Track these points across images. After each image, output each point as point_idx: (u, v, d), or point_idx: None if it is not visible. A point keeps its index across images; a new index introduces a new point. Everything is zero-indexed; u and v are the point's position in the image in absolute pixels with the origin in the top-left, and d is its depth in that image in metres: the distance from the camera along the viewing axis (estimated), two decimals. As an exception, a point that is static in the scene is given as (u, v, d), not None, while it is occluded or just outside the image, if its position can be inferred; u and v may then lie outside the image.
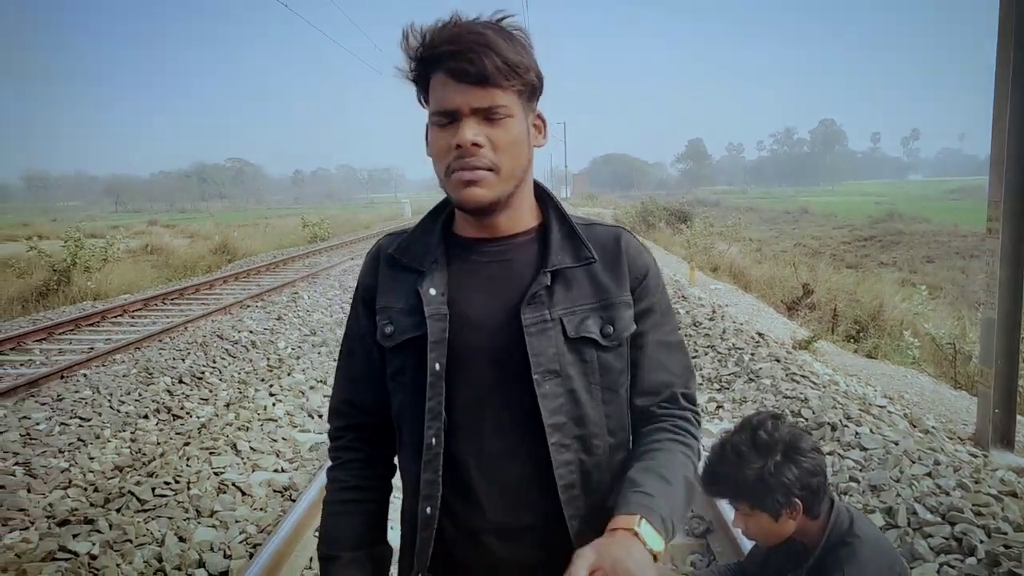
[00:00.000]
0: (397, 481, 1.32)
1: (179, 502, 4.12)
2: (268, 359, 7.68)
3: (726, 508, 3.41)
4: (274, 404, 5.98)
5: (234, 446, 5.00)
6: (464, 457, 1.16)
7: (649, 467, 1.12)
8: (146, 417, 5.75)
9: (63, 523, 3.91)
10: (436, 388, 1.14)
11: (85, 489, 4.42)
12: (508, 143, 1.11)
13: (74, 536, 3.71)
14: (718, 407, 5.54)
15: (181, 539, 3.72)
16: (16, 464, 4.76)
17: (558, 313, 1.15)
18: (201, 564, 3.50)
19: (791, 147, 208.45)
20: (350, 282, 13.78)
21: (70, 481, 4.53)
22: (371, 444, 1.29)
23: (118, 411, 5.87)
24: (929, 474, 3.82)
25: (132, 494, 4.19)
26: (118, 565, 3.45)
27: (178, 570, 3.42)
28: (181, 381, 6.76)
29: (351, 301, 1.31)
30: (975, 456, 4.42)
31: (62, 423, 5.59)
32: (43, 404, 6.13)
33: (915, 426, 4.95)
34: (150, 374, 6.93)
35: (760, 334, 7.73)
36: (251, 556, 3.50)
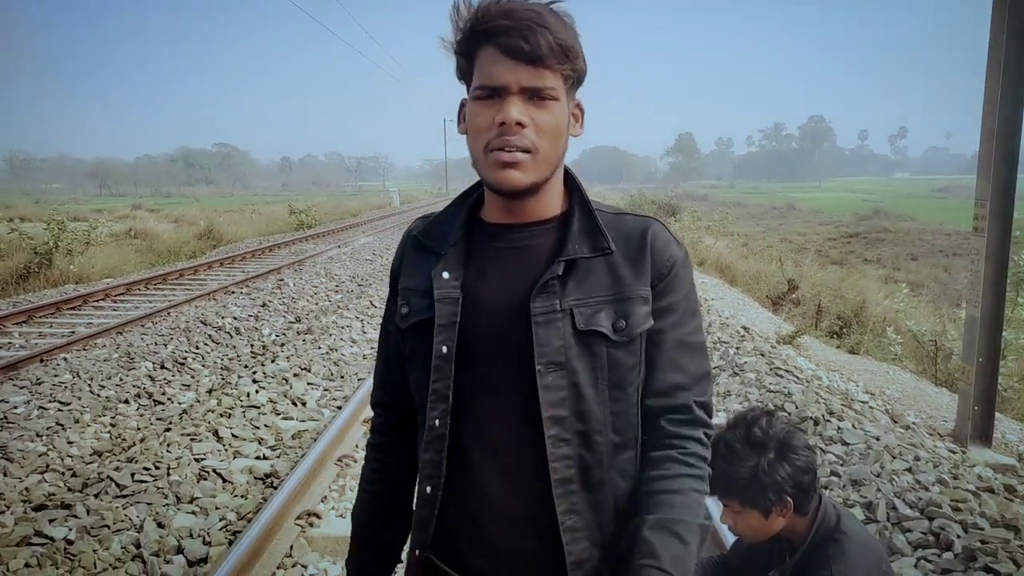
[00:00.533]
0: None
1: (158, 488, 4.08)
2: (252, 346, 7.63)
3: (709, 503, 3.42)
4: (257, 391, 5.94)
5: (216, 432, 4.96)
6: (470, 442, 1.16)
7: (665, 523, 1.09)
8: (127, 402, 5.69)
9: (40, 508, 3.87)
10: (442, 371, 1.14)
11: (63, 474, 4.37)
12: (551, 127, 1.09)
13: (50, 521, 3.67)
14: (702, 400, 5.56)
15: (160, 525, 3.69)
16: (-7, 448, 4.70)
17: (569, 304, 1.12)
18: (180, 550, 3.47)
19: (780, 143, 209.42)
20: (336, 270, 13.71)
21: (47, 465, 4.47)
22: (399, 427, 1.33)
23: (98, 396, 5.81)
24: (909, 469, 3.85)
25: (111, 479, 4.15)
26: (95, 551, 3.41)
27: (156, 556, 3.39)
28: (163, 366, 6.69)
29: None
30: (954, 452, 4.46)
31: (41, 407, 5.52)
32: (22, 387, 6.05)
33: (896, 422, 4.99)
34: (131, 359, 6.86)
35: (745, 328, 7.76)
36: (231, 543, 3.47)
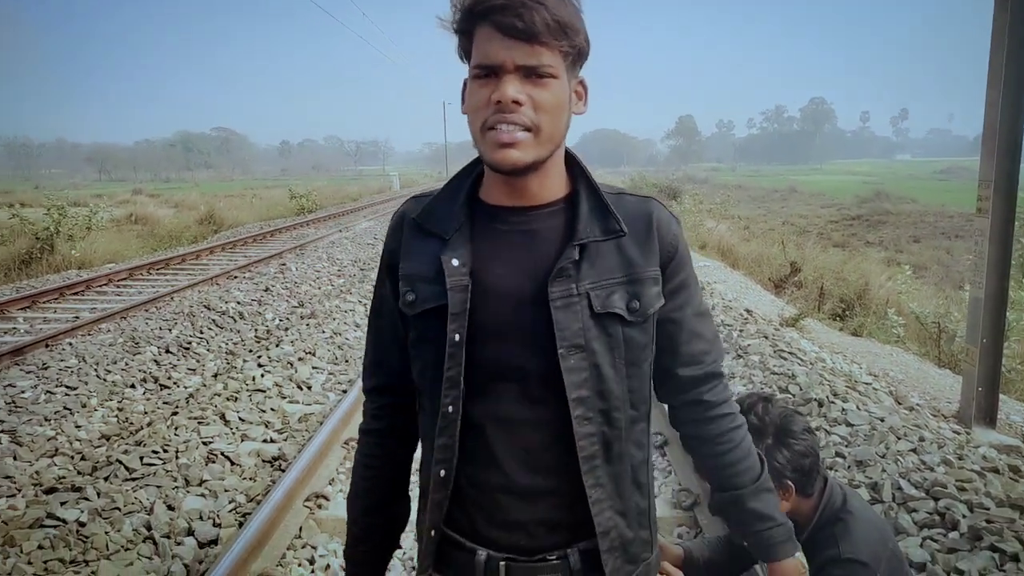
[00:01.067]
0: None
1: (167, 471, 4.11)
2: (256, 330, 7.64)
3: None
4: (262, 375, 5.96)
5: (223, 416, 4.99)
6: (484, 423, 1.17)
7: (758, 488, 1.32)
8: (133, 386, 5.72)
9: (50, 491, 3.90)
10: (455, 358, 1.14)
11: (72, 457, 4.40)
12: (549, 104, 1.09)
13: (62, 504, 3.70)
14: (706, 382, 5.58)
15: (170, 507, 3.72)
16: (2, 431, 4.73)
17: (585, 287, 1.14)
18: (190, 532, 3.50)
19: (781, 125, 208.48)
20: (338, 254, 13.70)
21: (56, 449, 4.50)
22: (395, 409, 1.32)
23: (104, 380, 5.83)
24: (914, 450, 3.87)
25: (120, 463, 4.17)
26: (107, 533, 3.44)
27: (167, 538, 3.42)
28: (168, 351, 6.71)
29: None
30: (958, 433, 4.48)
31: (48, 391, 5.55)
32: (28, 372, 6.07)
33: (900, 403, 5.01)
34: (136, 343, 6.88)
35: (748, 311, 7.77)
36: (240, 525, 3.51)
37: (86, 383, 5.73)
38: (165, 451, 4.37)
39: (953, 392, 5.79)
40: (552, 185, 1.19)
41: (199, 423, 4.84)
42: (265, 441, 4.67)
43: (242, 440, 4.66)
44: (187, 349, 6.83)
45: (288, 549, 3.35)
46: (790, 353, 5.89)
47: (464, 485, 1.20)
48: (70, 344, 7.00)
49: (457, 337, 1.13)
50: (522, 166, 1.10)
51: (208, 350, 6.86)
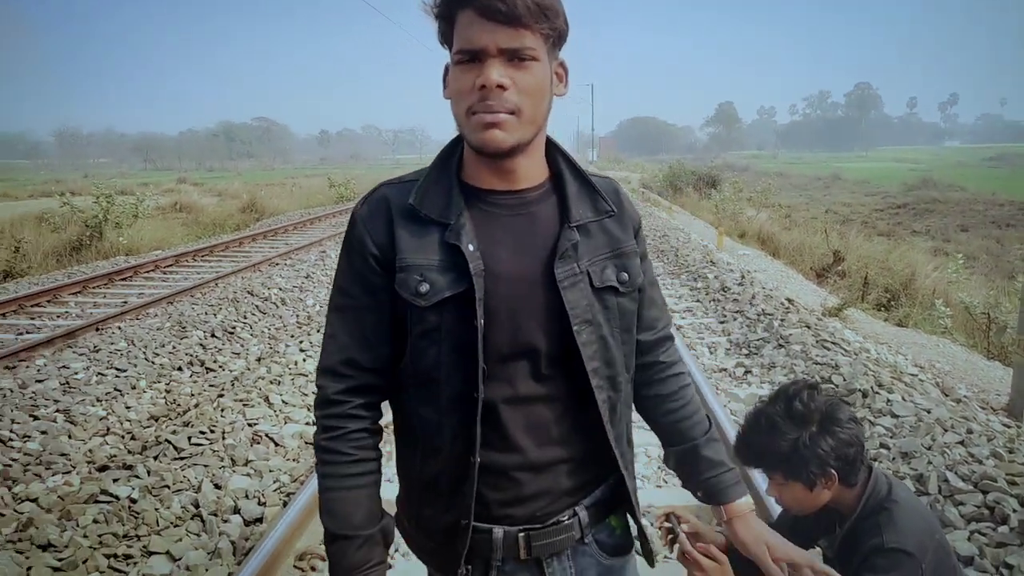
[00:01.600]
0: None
1: (214, 451, 4.22)
2: (297, 316, 7.78)
3: (753, 471, 3.41)
4: (304, 359, 6.07)
5: (267, 399, 5.10)
6: (496, 403, 1.19)
7: (710, 438, 1.39)
8: (180, 369, 5.87)
9: (103, 468, 4.04)
10: (478, 344, 1.15)
11: (123, 437, 4.55)
12: (533, 87, 1.10)
13: (114, 481, 3.83)
14: (747, 372, 5.52)
15: (217, 486, 3.83)
16: (57, 411, 4.90)
17: (585, 266, 1.20)
18: (236, 510, 3.60)
19: (824, 111, 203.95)
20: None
21: (108, 429, 4.65)
22: (370, 408, 1.25)
23: (153, 363, 6.00)
24: (961, 442, 3.79)
25: (169, 442, 4.30)
26: (156, 509, 3.56)
27: (214, 515, 3.52)
28: (213, 335, 6.87)
29: (342, 256, 1.24)
30: (1008, 426, 4.37)
31: (99, 373, 5.73)
32: (80, 355, 6.27)
33: (947, 395, 4.90)
34: (183, 328, 7.06)
35: (790, 300, 7.65)
36: (285, 504, 3.59)
37: (135, 365, 5.90)
38: (212, 432, 4.49)
39: (1003, 384, 5.64)
40: (536, 167, 1.22)
41: (244, 405, 4.96)
42: (308, 424, 4.76)
43: (285, 422, 4.76)
44: (231, 333, 6.98)
45: (330, 529, 3.42)
46: (833, 343, 5.79)
47: (481, 471, 1.20)
48: (119, 328, 7.21)
49: (483, 322, 1.14)
50: (507, 148, 1.12)
51: (252, 335, 7.01)
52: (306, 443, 4.45)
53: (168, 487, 3.78)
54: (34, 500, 3.66)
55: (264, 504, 3.66)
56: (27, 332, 7.35)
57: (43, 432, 4.54)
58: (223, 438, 4.40)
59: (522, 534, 1.23)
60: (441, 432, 1.20)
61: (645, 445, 4.22)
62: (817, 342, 5.83)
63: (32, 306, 8.48)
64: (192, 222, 19.49)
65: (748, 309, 7.13)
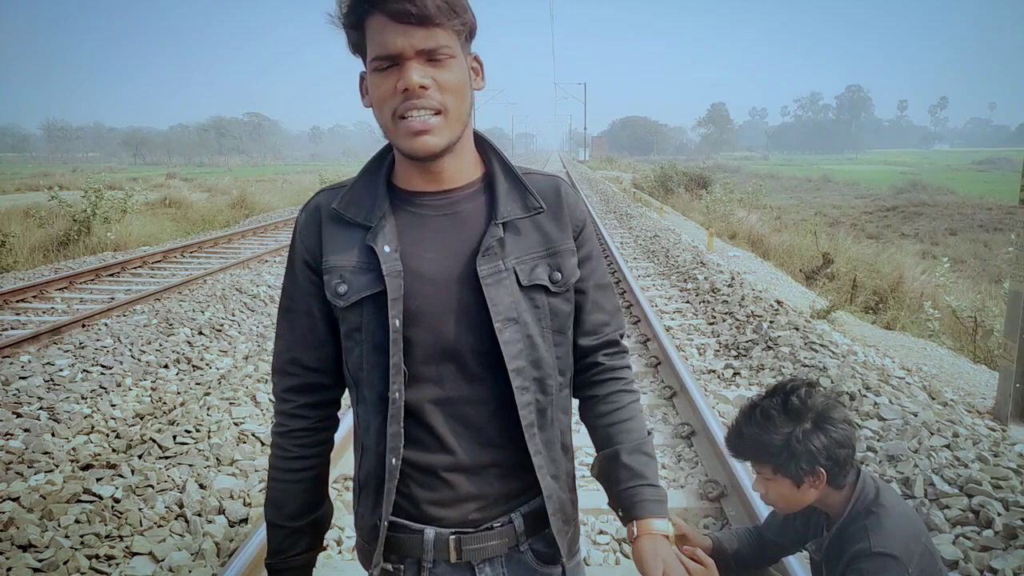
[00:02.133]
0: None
1: (199, 450, 4.18)
2: (286, 313, 7.72)
3: (741, 474, 3.42)
4: (292, 358, 6.03)
5: (253, 397, 5.07)
6: (425, 405, 1.19)
7: (636, 447, 1.30)
8: (166, 367, 5.83)
9: (86, 467, 4.00)
10: (398, 344, 1.16)
11: (107, 435, 4.50)
12: (454, 84, 1.11)
13: (97, 480, 3.79)
14: (735, 374, 5.53)
15: (201, 486, 3.79)
16: (40, 409, 4.85)
17: (511, 263, 1.19)
18: (221, 511, 3.56)
19: (816, 113, 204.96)
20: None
21: (92, 427, 4.61)
22: (315, 407, 1.29)
23: (139, 360, 5.95)
24: (947, 446, 3.80)
25: (154, 441, 4.26)
26: (140, 509, 3.52)
27: (199, 516, 3.49)
28: (201, 333, 6.82)
29: (287, 261, 1.29)
30: (994, 430, 4.38)
31: (84, 370, 5.67)
32: (65, 351, 6.21)
33: (934, 398, 4.92)
34: (170, 325, 7.00)
35: (779, 302, 7.67)
36: (270, 505, 3.56)
37: (121, 363, 5.85)
38: (197, 431, 4.45)
39: (989, 388, 5.67)
40: (466, 167, 1.22)
41: (231, 404, 4.92)
42: (294, 423, 4.73)
43: (272, 421, 4.72)
44: (219, 331, 6.94)
45: (316, 530, 3.40)
46: (821, 345, 5.81)
47: (407, 469, 1.21)
48: (106, 324, 7.15)
49: (398, 323, 1.15)
50: (438, 150, 1.13)
51: (240, 332, 6.97)
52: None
53: (152, 487, 3.74)
54: (15, 499, 3.62)
55: (249, 505, 3.63)
56: (11, 328, 7.27)
57: (26, 430, 4.49)
58: (209, 437, 4.37)
59: (453, 537, 1.23)
60: (368, 431, 1.24)
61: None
62: (805, 344, 5.85)
63: (17, 301, 8.40)
64: (181, 218, 19.39)
65: (737, 311, 7.14)
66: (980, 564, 2.84)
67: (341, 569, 3.06)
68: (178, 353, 6.15)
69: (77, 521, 3.40)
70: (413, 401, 1.19)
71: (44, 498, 3.61)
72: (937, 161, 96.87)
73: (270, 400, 4.99)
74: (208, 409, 4.81)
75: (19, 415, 4.74)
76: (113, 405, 4.98)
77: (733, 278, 8.76)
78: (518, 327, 1.18)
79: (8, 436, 4.41)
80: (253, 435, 4.44)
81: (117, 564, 3.14)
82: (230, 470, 3.99)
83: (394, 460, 1.19)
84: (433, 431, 1.20)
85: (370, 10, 1.08)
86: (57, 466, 4.05)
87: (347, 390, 1.30)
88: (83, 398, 5.08)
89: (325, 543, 1.41)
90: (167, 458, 4.12)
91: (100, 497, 3.61)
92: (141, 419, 4.77)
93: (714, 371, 5.64)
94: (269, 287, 8.99)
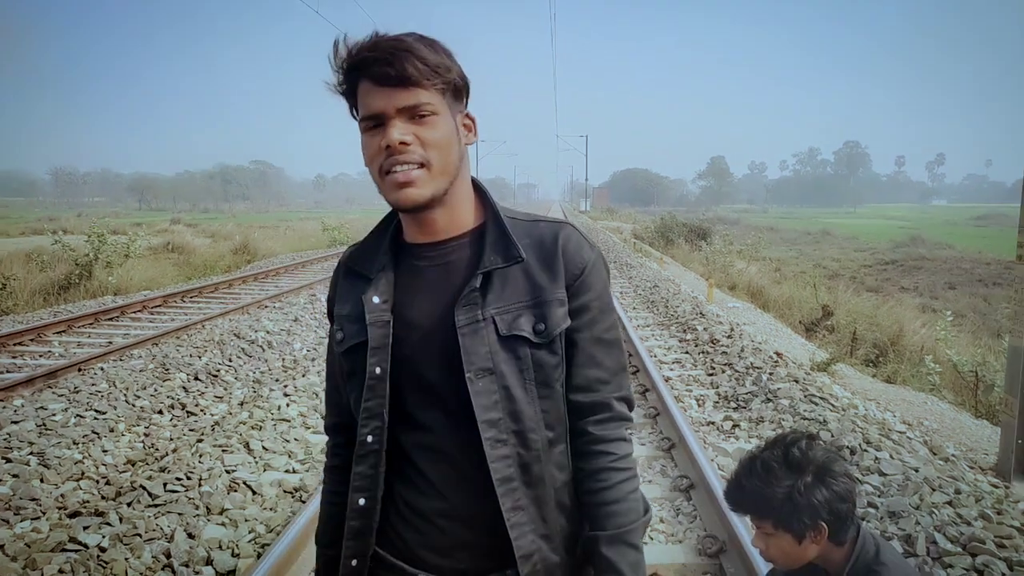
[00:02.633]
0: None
1: (190, 498, 4.12)
2: (283, 360, 7.70)
3: (741, 529, 3.35)
4: (288, 404, 5.99)
5: (247, 445, 5.01)
6: (414, 450, 1.23)
7: (617, 537, 1.21)
8: (160, 412, 5.77)
9: (74, 515, 3.93)
10: (375, 390, 1.21)
11: (97, 482, 4.44)
12: (436, 139, 1.16)
13: (84, 528, 3.72)
14: (734, 426, 5.47)
15: (190, 535, 3.72)
16: (31, 454, 4.79)
17: (491, 312, 1.19)
18: (209, 562, 3.49)
19: (814, 168, 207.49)
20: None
21: (83, 473, 4.54)
22: (349, 447, 1.32)
23: (133, 405, 5.90)
24: (950, 503, 3.74)
25: (144, 488, 4.19)
26: (126, 559, 3.44)
27: (186, 566, 3.41)
28: (197, 378, 6.78)
29: None
30: (996, 487, 4.32)
31: (78, 415, 5.62)
32: (60, 395, 6.17)
33: (935, 453, 4.85)
34: (166, 370, 6.97)
35: (778, 354, 7.64)
36: (259, 556, 3.49)
37: (115, 408, 5.80)
38: (188, 478, 4.39)
39: (991, 444, 5.61)
40: (460, 217, 1.25)
41: (223, 451, 4.86)
42: (287, 471, 4.67)
43: (264, 470, 4.66)
44: (215, 377, 6.90)
45: (305, 582, 3.32)
46: (821, 398, 5.76)
47: (403, 509, 1.25)
48: (102, 369, 7.11)
49: (378, 370, 1.20)
50: (422, 202, 1.17)
51: (236, 378, 6.92)
52: (284, 491, 4.36)
53: (140, 535, 3.67)
54: (0, 547, 3.54)
55: (238, 555, 3.56)
56: (6, 371, 7.24)
57: (15, 475, 4.42)
58: (199, 485, 4.30)
59: None
60: (357, 473, 1.27)
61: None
62: (805, 397, 5.80)
63: (14, 344, 8.38)
64: (183, 263, 19.46)
65: (737, 362, 7.11)
66: (985, 627, 2.76)
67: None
68: (173, 399, 6.11)
69: (61, 571, 3.32)
70: (405, 445, 1.24)
71: (29, 546, 3.53)
72: (935, 216, 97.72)
73: (263, 449, 4.94)
74: (200, 456, 4.75)
75: (8, 460, 4.68)
76: (105, 451, 4.92)
77: (732, 329, 8.74)
78: (493, 378, 1.17)
79: (-4, 481, 4.34)
80: (244, 483, 4.37)
81: (99, 616, 3.06)
82: (220, 519, 3.92)
83: (361, 501, 1.23)
84: (425, 476, 1.23)
85: (358, 77, 1.16)
86: (44, 513, 3.97)
87: None
88: (75, 443, 5.02)
89: None
90: (156, 506, 4.05)
91: (86, 546, 3.54)
92: (132, 465, 4.71)
93: (713, 423, 5.58)
94: (267, 332, 8.97)
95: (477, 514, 1.21)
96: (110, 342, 8.66)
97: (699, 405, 6.10)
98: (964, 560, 3.16)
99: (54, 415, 5.61)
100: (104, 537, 3.62)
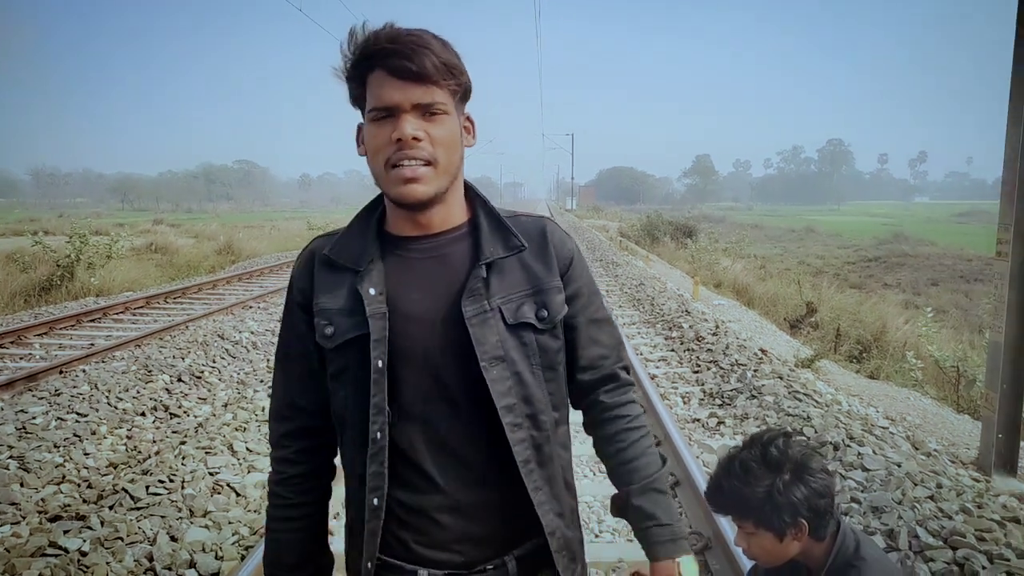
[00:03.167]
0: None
1: (172, 501, 4.08)
2: (268, 360, 7.65)
3: (725, 525, 3.36)
4: (272, 406, 5.94)
5: (230, 446, 4.97)
6: (414, 444, 1.21)
7: (646, 486, 1.32)
8: (143, 415, 5.72)
9: (55, 519, 3.88)
10: (379, 384, 1.18)
11: (79, 485, 4.39)
12: (445, 138, 1.17)
13: (65, 532, 3.68)
14: (719, 423, 5.49)
15: (173, 538, 3.69)
16: (10, 458, 4.72)
17: (496, 302, 1.22)
18: (192, 564, 3.46)
19: (798, 166, 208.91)
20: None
21: (64, 477, 4.49)
22: (312, 453, 1.32)
23: (115, 408, 5.84)
24: (931, 497, 3.77)
25: (126, 491, 4.15)
26: (108, 563, 3.41)
27: (168, 570, 3.39)
28: (180, 380, 6.73)
29: (284, 307, 1.32)
30: (977, 481, 4.36)
31: (59, 418, 5.56)
32: (40, 398, 6.09)
33: (917, 448, 4.90)
34: (149, 372, 6.90)
35: (763, 351, 7.69)
36: (243, 558, 3.46)
37: (97, 410, 5.73)
38: (171, 481, 4.35)
39: (972, 438, 5.67)
40: (453, 214, 1.27)
41: (206, 453, 4.83)
42: (272, 473, 4.63)
43: (248, 471, 4.62)
44: (199, 378, 6.84)
45: (289, 584, 3.30)
46: (805, 395, 5.80)
47: (397, 510, 1.23)
48: (84, 371, 7.04)
49: (380, 363, 1.18)
50: (425, 199, 1.18)
51: (220, 379, 6.87)
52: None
53: (122, 539, 3.63)
54: (-22, 552, 3.50)
55: (221, 558, 3.53)
56: (-13, 374, 7.14)
57: (-6, 479, 4.37)
58: (183, 487, 4.26)
59: None
60: (353, 472, 1.25)
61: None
62: (789, 393, 5.84)
63: (-6, 347, 8.27)
64: (167, 263, 19.29)
65: (722, 359, 7.14)
66: (966, 619, 2.79)
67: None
68: (156, 401, 6.05)
69: (41, 576, 3.28)
70: (402, 441, 1.21)
71: (8, 551, 3.49)
72: (918, 213, 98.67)
73: (247, 451, 4.90)
74: (183, 458, 4.71)
75: (-12, 464, 4.62)
76: (86, 454, 4.87)
77: (718, 326, 8.78)
78: (505, 365, 1.20)
79: (-25, 486, 4.28)
80: (228, 485, 4.34)
81: (80, 621, 3.02)
82: (203, 522, 3.89)
83: (375, 500, 1.20)
84: (423, 471, 1.22)
85: (373, 66, 1.15)
86: (24, 518, 3.92)
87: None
88: (56, 447, 4.96)
89: None
90: (139, 509, 4.01)
91: (66, 551, 3.50)
92: (115, 468, 4.66)
93: (698, 420, 5.60)
94: (252, 333, 8.91)
95: (477, 503, 1.23)
96: (92, 344, 8.57)
97: (684, 402, 6.12)
98: (945, 554, 3.19)
99: (34, 418, 5.54)
100: (85, 541, 3.58)
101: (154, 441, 5.15)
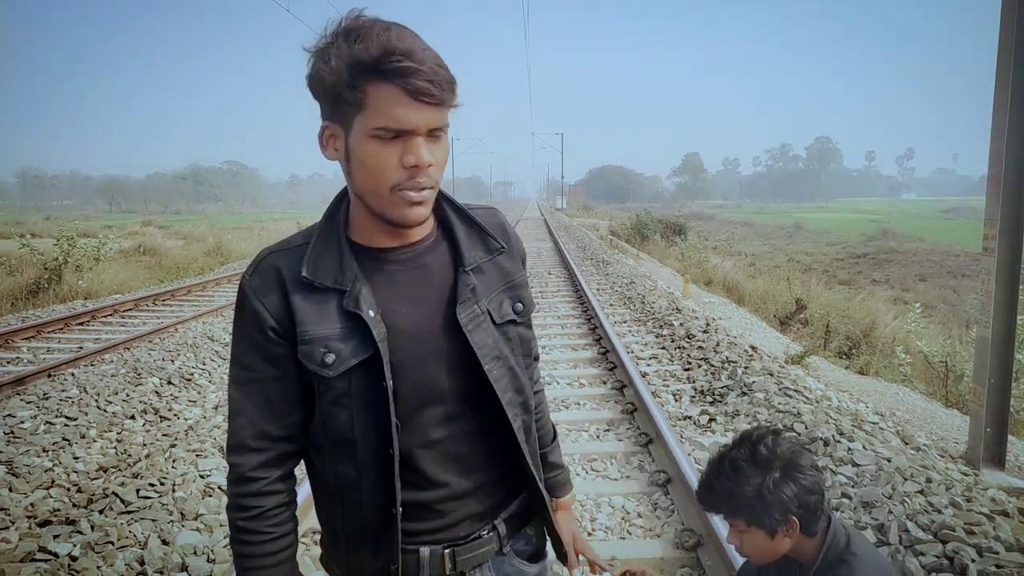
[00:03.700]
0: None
1: (163, 504, 4.06)
2: (258, 362, 7.61)
3: (717, 522, 3.37)
4: (263, 407, 5.92)
5: (221, 449, 4.94)
6: (413, 450, 1.23)
7: (556, 443, 1.58)
8: (133, 418, 5.68)
9: (44, 523, 3.85)
10: (390, 403, 1.18)
11: (68, 489, 4.36)
12: (443, 158, 1.15)
13: (55, 537, 3.65)
14: (711, 420, 5.51)
15: (164, 542, 3.67)
16: (-1, 463, 4.69)
17: (485, 305, 1.25)
18: (184, 568, 3.44)
19: (786, 163, 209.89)
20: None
21: (53, 481, 4.46)
22: (286, 480, 1.24)
23: (105, 411, 5.80)
24: (921, 491, 3.80)
25: (116, 495, 4.13)
26: (99, 567, 3.39)
27: (160, 574, 3.37)
28: (170, 382, 6.69)
29: (236, 329, 1.20)
30: (966, 474, 4.40)
31: (47, 422, 5.52)
32: (29, 402, 6.05)
33: (907, 443, 4.93)
34: (139, 374, 6.86)
35: (753, 348, 7.71)
36: (235, 561, 3.45)
37: (86, 414, 5.70)
38: (162, 484, 4.32)
39: (961, 432, 5.71)
40: (427, 221, 1.25)
41: (197, 455, 4.80)
42: (263, 475, 4.62)
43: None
44: (189, 380, 6.81)
45: (282, 586, 3.29)
46: (795, 391, 5.83)
47: (407, 511, 1.26)
48: (72, 374, 6.99)
49: (391, 383, 1.17)
50: (424, 220, 1.17)
51: (210, 381, 6.84)
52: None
53: (112, 543, 3.61)
54: (-33, 558, 3.47)
55: (213, 561, 3.51)
56: (-26, 379, 7.08)
57: (-18, 485, 4.33)
58: (173, 491, 4.24)
59: (447, 551, 1.29)
60: (360, 488, 1.23)
61: (609, 495, 4.17)
62: (780, 390, 5.86)
63: (-19, 351, 8.20)
64: (155, 265, 19.19)
65: (713, 356, 7.16)
66: (956, 612, 2.81)
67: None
68: (145, 403, 6.01)
69: (31, 581, 3.26)
70: (402, 449, 1.22)
71: (-3, 557, 3.46)
72: (905, 209, 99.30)
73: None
74: (174, 461, 4.68)
75: (-24, 469, 4.58)
76: (76, 458, 4.84)
77: (708, 324, 8.81)
78: (501, 362, 1.26)
79: (-37, 492, 4.24)
80: (219, 488, 4.33)
81: (71, 626, 3.01)
82: (194, 525, 3.87)
83: (393, 509, 1.22)
84: (422, 472, 1.24)
85: (380, 78, 1.04)
86: (13, 523, 3.89)
87: (313, 454, 1.26)
88: (44, 451, 4.92)
89: None
90: (129, 512, 3.98)
91: (56, 555, 3.47)
92: (104, 472, 4.63)
93: (690, 417, 5.62)
94: (242, 335, 8.86)
95: (473, 488, 1.30)
96: (81, 347, 8.51)
97: (676, 400, 6.14)
98: (935, 547, 3.21)
99: (22, 423, 5.50)
100: (75, 546, 3.56)
101: (144, 444, 5.12)
